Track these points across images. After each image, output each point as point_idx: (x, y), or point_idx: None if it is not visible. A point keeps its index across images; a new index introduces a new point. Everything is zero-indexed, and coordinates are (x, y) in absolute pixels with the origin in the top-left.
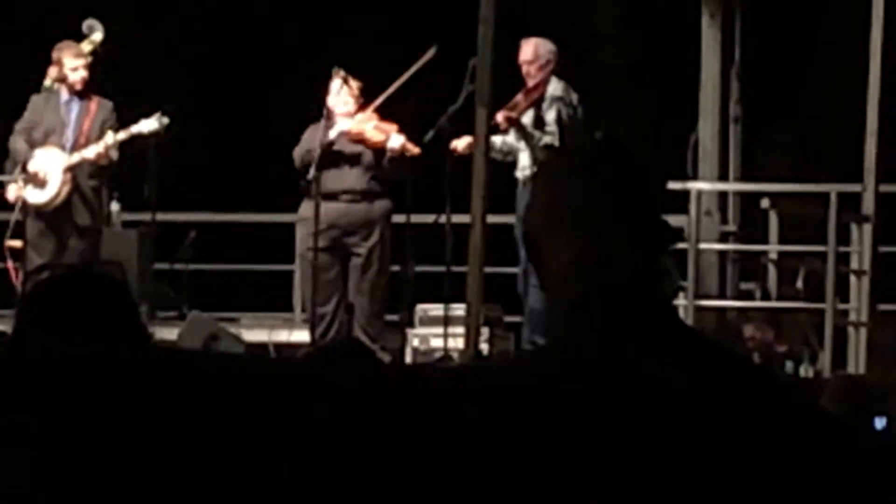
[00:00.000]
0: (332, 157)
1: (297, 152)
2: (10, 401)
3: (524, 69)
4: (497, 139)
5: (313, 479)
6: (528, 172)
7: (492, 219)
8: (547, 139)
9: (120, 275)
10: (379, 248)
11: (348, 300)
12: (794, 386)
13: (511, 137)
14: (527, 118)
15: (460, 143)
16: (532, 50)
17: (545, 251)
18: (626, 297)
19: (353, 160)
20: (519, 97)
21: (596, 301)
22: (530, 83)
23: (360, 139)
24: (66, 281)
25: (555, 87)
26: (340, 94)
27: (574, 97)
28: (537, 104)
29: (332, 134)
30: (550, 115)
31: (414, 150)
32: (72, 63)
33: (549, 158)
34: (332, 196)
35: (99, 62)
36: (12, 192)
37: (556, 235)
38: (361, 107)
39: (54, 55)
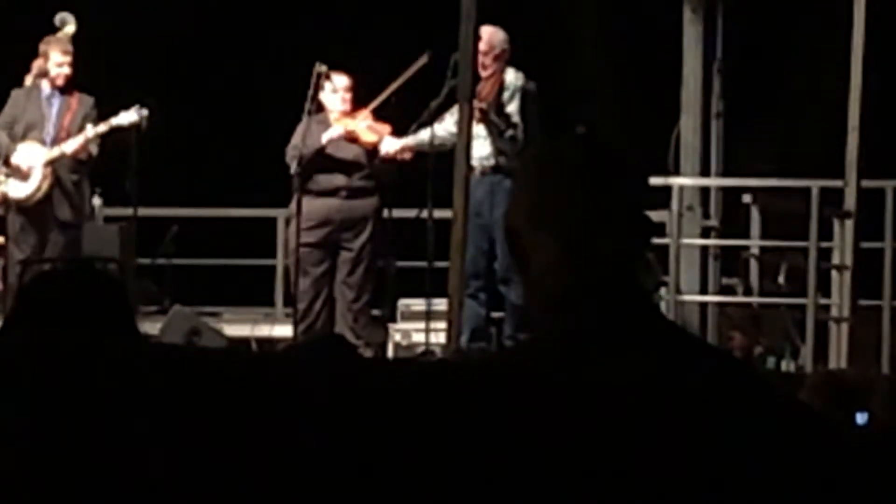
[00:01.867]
0: (325, 156)
1: (291, 152)
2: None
3: (479, 59)
4: (430, 134)
5: (291, 474)
6: (487, 163)
7: None
8: (511, 131)
9: (117, 273)
10: (370, 244)
11: (333, 295)
12: (774, 381)
13: (441, 129)
14: (486, 107)
15: (391, 148)
16: (486, 39)
17: (528, 247)
18: (609, 293)
19: (347, 158)
20: (480, 88)
21: (579, 297)
22: (485, 73)
23: (353, 138)
24: (63, 276)
25: (515, 77)
26: (334, 91)
27: (532, 86)
28: (497, 94)
29: (325, 139)
30: (513, 106)
31: (406, 156)
32: (58, 59)
33: (530, 154)
34: (326, 193)
35: (76, 55)
36: None
37: (538, 231)
38: (354, 106)
39: (41, 48)
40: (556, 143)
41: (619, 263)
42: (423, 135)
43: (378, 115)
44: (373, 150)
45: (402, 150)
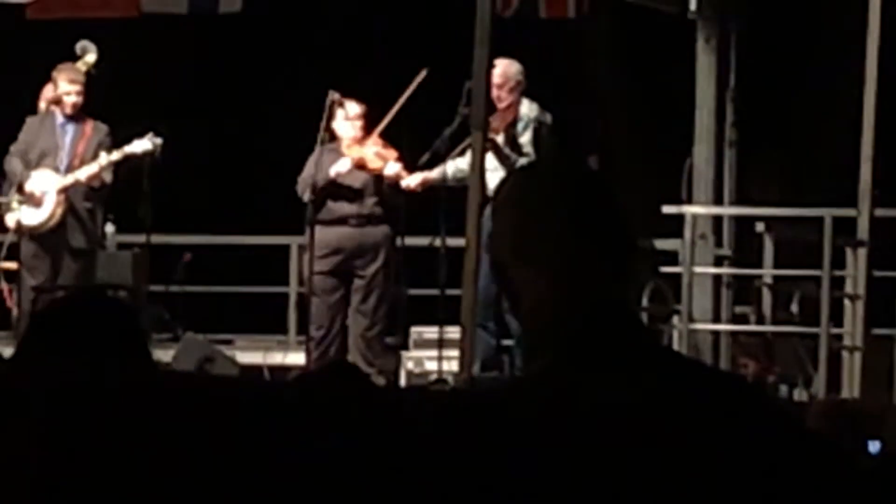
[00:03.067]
0: (335, 184)
1: (301, 182)
2: (10, 422)
3: (494, 92)
4: (449, 169)
5: (303, 501)
6: None
7: None
8: (523, 161)
9: (130, 300)
10: (382, 272)
11: (347, 323)
12: (783, 408)
13: (464, 163)
14: (499, 138)
15: (412, 181)
16: (501, 72)
17: (516, 281)
18: (601, 325)
19: (356, 186)
20: (493, 119)
21: (570, 330)
22: (500, 106)
23: (361, 165)
24: (74, 304)
25: (529, 108)
26: (346, 119)
27: (548, 117)
28: (511, 125)
29: (333, 172)
30: (526, 137)
31: (412, 184)
32: (67, 87)
33: (508, 187)
34: (337, 221)
35: (93, 83)
36: (12, 220)
37: (524, 265)
38: (365, 133)
39: (52, 76)
40: (531, 175)
41: (609, 293)
42: (446, 168)
43: (388, 136)
44: (382, 176)
45: (401, 175)
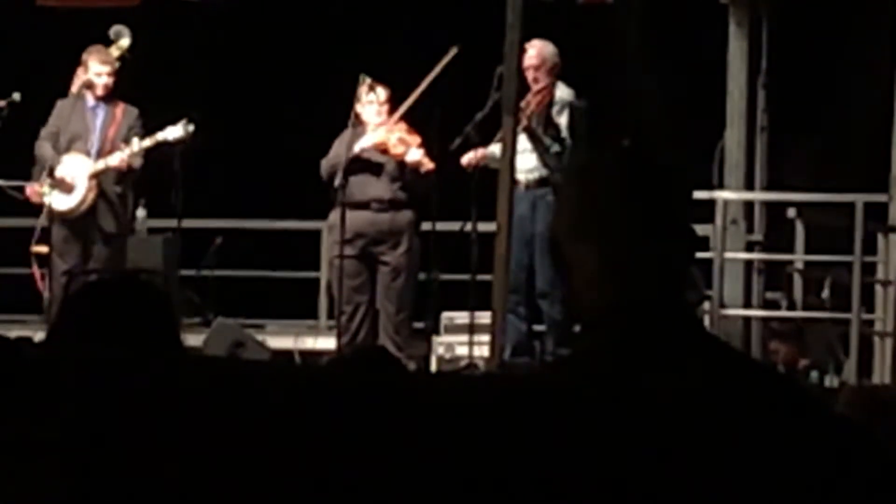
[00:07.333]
0: (358, 165)
1: (325, 164)
2: (40, 407)
3: (530, 75)
4: (496, 149)
5: (335, 486)
6: (531, 176)
7: None
8: (557, 146)
9: (162, 285)
10: (406, 257)
11: (376, 308)
12: (818, 396)
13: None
14: (535, 123)
15: (473, 157)
16: (537, 53)
17: (570, 258)
18: (651, 307)
19: (379, 170)
20: (528, 102)
21: (621, 310)
22: (536, 88)
23: (383, 150)
24: (106, 288)
25: (564, 92)
26: (371, 103)
27: (582, 103)
28: (547, 108)
29: (357, 148)
30: (562, 121)
31: (428, 165)
32: (98, 68)
33: (574, 165)
34: (359, 205)
35: (126, 68)
36: (34, 193)
37: (581, 243)
38: (390, 114)
39: (83, 58)
40: (599, 156)
41: (661, 278)
42: (494, 148)
43: (418, 121)
44: (404, 162)
45: (423, 162)
